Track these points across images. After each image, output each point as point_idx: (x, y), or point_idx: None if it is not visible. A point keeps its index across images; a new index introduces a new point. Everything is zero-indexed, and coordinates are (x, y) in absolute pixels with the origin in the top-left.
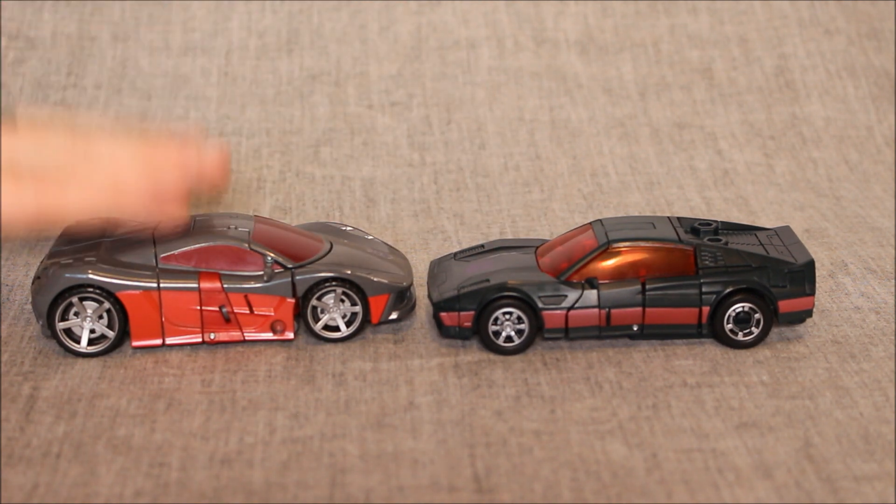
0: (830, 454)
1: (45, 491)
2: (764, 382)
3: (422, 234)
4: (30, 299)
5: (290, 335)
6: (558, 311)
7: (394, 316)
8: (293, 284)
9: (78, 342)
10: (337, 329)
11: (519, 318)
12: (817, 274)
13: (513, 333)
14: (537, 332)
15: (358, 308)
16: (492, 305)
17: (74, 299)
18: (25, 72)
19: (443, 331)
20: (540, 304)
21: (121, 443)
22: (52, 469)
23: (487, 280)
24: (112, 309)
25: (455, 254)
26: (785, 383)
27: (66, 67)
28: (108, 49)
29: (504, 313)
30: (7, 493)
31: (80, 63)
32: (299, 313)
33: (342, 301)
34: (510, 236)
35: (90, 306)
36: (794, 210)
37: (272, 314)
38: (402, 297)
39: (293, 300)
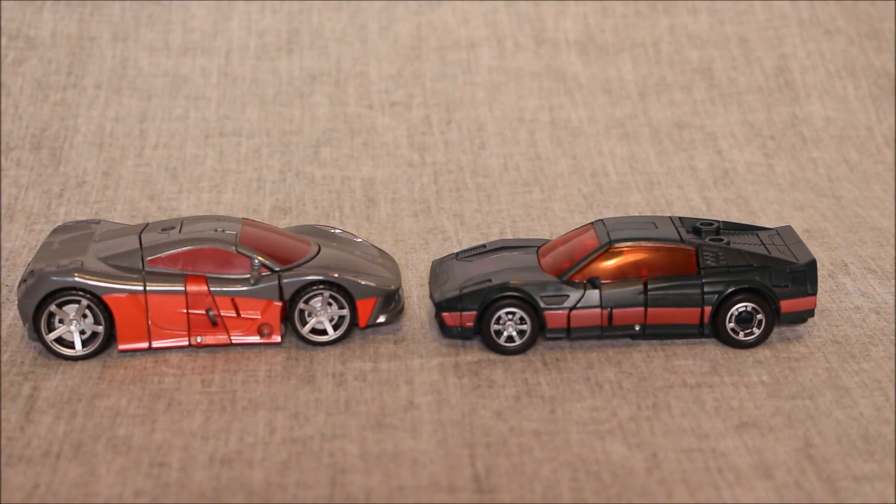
0: (830, 454)
1: (45, 491)
2: (764, 382)
3: (422, 234)
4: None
5: (278, 339)
6: (560, 311)
7: (381, 319)
8: (280, 287)
9: (72, 347)
10: (324, 332)
11: (521, 318)
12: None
13: (514, 333)
14: (539, 332)
15: (345, 311)
16: (494, 305)
17: (53, 307)
18: (25, 72)
19: (445, 331)
20: (542, 304)
21: (121, 443)
22: (52, 469)
23: (489, 280)
24: (91, 304)
25: (457, 254)
26: (785, 383)
27: (66, 67)
28: (108, 49)
29: (507, 313)
30: (7, 493)
31: (80, 63)
32: (286, 317)
33: (329, 304)
34: (510, 236)
35: (71, 309)
36: (794, 210)
37: (259, 317)
38: (391, 301)
39: (280, 303)
